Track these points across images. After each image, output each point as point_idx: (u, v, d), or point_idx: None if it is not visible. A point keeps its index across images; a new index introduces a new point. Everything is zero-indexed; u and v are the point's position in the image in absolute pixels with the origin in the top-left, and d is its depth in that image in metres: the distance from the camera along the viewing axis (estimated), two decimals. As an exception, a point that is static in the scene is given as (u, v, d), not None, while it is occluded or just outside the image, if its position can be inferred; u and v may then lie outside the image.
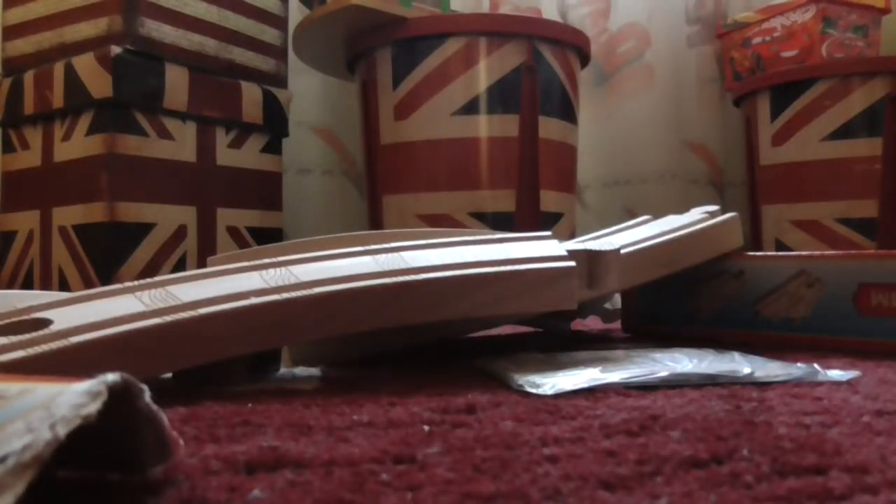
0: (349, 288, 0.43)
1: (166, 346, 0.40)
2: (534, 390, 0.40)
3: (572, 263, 0.47)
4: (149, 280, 0.43)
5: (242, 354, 0.42)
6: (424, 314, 0.44)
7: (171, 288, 0.42)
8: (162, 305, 0.41)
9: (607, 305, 0.77)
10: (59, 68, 1.01)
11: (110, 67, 0.95)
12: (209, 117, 1.07)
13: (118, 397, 0.21)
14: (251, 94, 1.13)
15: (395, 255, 0.46)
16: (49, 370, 0.36)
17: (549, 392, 0.40)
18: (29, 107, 1.05)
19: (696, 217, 0.65)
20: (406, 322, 0.44)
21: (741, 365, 0.45)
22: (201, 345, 0.40)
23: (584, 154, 1.45)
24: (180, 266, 1.04)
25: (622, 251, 0.56)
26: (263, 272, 0.44)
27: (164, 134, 1.02)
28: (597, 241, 0.57)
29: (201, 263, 1.05)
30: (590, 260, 0.52)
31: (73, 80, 0.99)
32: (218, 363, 0.42)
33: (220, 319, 0.41)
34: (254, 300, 0.42)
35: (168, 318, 0.40)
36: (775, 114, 1.30)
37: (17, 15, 1.09)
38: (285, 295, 0.42)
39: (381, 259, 0.46)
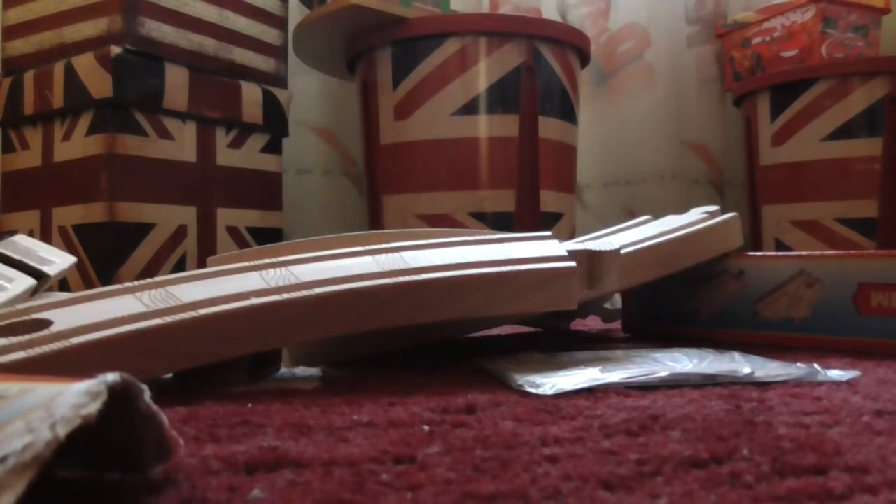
0: (349, 288, 0.43)
1: (166, 346, 0.40)
2: (534, 390, 0.40)
3: (572, 263, 0.47)
4: (149, 280, 0.43)
5: (242, 354, 0.42)
6: (424, 314, 0.44)
7: (171, 288, 0.42)
8: (162, 306, 0.41)
9: (607, 305, 0.77)
10: (59, 68, 1.01)
11: (110, 67, 0.95)
12: (209, 117, 1.07)
13: (118, 397, 0.21)
14: (251, 94, 1.13)
15: (396, 255, 0.46)
16: (49, 371, 0.36)
17: (549, 392, 0.40)
18: (29, 107, 1.05)
19: (696, 217, 0.65)
20: (406, 322, 0.44)
21: (741, 365, 0.45)
22: (201, 345, 0.40)
23: (584, 154, 1.45)
24: (180, 266, 1.04)
25: (622, 251, 0.56)
26: (264, 272, 0.44)
27: (164, 134, 1.02)
28: (597, 241, 0.57)
29: (201, 263, 1.05)
30: (590, 260, 0.52)
31: (73, 80, 0.99)
32: (218, 363, 0.42)
33: (220, 320, 0.41)
34: (254, 300, 0.42)
35: (168, 319, 0.40)
36: (775, 114, 1.30)
37: (17, 15, 1.09)
38: (286, 295, 0.42)
39: (381, 259, 0.46)
